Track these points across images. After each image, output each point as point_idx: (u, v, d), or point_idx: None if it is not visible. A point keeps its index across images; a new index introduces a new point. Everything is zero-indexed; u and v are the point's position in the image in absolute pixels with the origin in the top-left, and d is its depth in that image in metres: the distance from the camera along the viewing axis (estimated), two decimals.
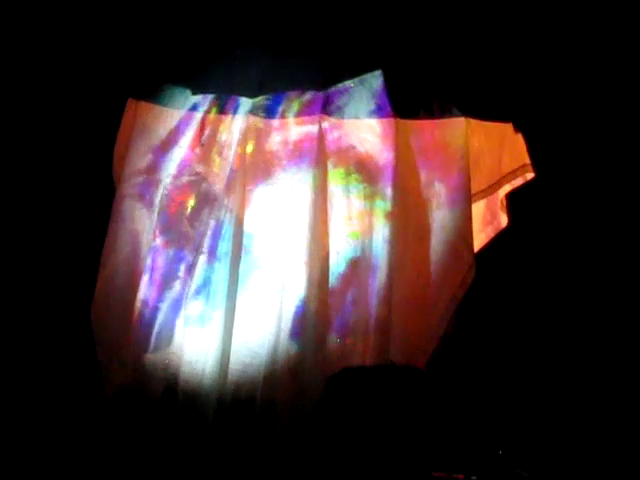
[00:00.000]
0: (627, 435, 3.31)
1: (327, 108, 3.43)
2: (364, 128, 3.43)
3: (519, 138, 3.42)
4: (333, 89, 3.45)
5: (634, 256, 3.48)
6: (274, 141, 3.46)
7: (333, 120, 3.43)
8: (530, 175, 3.42)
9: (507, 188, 3.46)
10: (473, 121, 3.40)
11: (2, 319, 3.49)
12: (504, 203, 3.46)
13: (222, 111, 3.52)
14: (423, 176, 3.41)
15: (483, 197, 3.46)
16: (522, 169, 3.42)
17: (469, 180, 3.35)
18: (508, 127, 3.42)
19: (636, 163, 3.49)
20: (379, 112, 3.41)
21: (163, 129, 3.54)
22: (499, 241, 3.48)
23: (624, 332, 3.45)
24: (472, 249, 3.31)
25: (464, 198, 3.33)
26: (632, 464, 3.24)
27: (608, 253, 3.50)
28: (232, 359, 3.24)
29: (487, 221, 3.49)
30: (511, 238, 3.45)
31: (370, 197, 3.38)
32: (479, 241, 3.44)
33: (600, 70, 3.46)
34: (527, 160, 3.40)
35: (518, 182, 3.44)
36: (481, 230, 3.48)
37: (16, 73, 3.61)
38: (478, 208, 3.47)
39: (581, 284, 3.49)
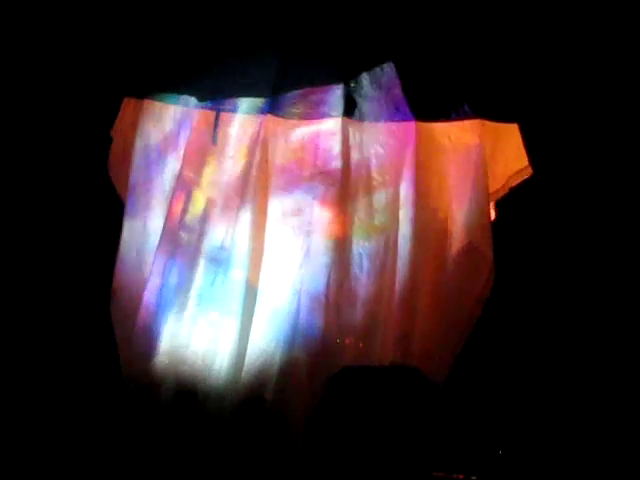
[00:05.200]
0: (628, 435, 3.31)
1: (348, 110, 3.42)
2: (384, 131, 3.44)
3: (519, 139, 3.43)
4: (350, 88, 3.44)
5: (632, 256, 3.48)
6: (293, 142, 3.45)
7: (354, 123, 3.43)
8: (527, 175, 3.44)
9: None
10: (486, 122, 3.41)
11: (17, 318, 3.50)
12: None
13: (236, 110, 3.48)
14: (443, 178, 3.41)
15: (495, 198, 3.46)
16: (525, 170, 3.43)
17: (487, 180, 3.36)
18: (513, 128, 3.43)
19: (636, 163, 3.50)
20: (399, 115, 3.41)
21: (170, 129, 3.51)
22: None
23: (624, 332, 3.45)
24: (492, 248, 3.30)
25: (482, 198, 3.34)
26: (632, 464, 3.24)
27: (604, 253, 3.50)
28: (246, 360, 3.23)
29: None
30: (507, 238, 3.46)
31: (391, 199, 3.38)
32: None
33: (600, 72, 3.47)
34: (526, 161, 3.41)
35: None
36: None
37: (13, 73, 3.58)
38: None
39: (579, 283, 3.50)
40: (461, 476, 3.24)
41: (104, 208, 3.53)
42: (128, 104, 3.56)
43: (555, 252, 3.54)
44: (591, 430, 3.35)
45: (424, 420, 2.83)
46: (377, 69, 3.44)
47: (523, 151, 3.40)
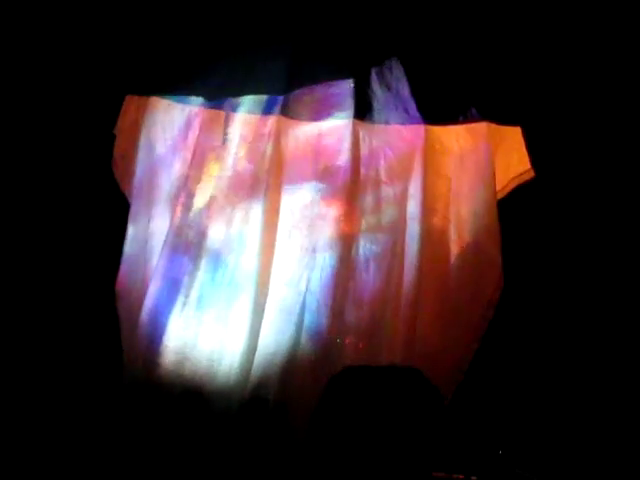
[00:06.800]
0: (627, 435, 3.32)
1: (358, 112, 3.45)
2: (393, 133, 3.46)
3: (522, 141, 3.44)
4: (361, 91, 3.47)
5: (633, 257, 3.49)
6: (303, 142, 3.47)
7: (364, 124, 3.45)
8: (528, 178, 3.44)
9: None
10: (491, 125, 3.43)
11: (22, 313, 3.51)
12: None
13: (246, 110, 3.49)
14: (450, 180, 3.43)
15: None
16: (527, 173, 3.44)
17: (494, 182, 3.37)
18: (516, 131, 3.44)
19: (636, 164, 3.51)
20: (408, 118, 3.44)
21: (173, 127, 3.51)
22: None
23: (624, 332, 3.45)
24: (500, 251, 3.31)
25: (490, 200, 3.36)
26: (632, 464, 3.25)
27: (606, 255, 3.51)
28: (254, 360, 3.23)
29: None
30: (509, 238, 3.47)
31: (399, 202, 3.40)
32: None
33: (601, 73, 3.47)
34: (528, 164, 3.42)
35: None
36: None
37: (15, 71, 3.58)
38: None
39: (579, 284, 3.50)
40: (461, 476, 3.25)
41: (108, 206, 3.54)
42: (131, 102, 3.55)
43: (555, 255, 3.54)
44: (590, 430, 3.36)
45: (424, 420, 2.84)
46: (386, 71, 3.46)
47: (525, 154, 3.41)
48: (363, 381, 2.80)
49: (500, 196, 3.45)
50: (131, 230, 3.44)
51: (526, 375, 3.45)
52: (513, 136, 3.44)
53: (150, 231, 3.46)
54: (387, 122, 3.46)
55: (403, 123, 3.45)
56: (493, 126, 3.43)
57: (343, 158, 3.40)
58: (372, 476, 2.81)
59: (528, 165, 3.42)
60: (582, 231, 3.51)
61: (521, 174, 3.44)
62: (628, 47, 3.42)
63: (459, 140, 3.45)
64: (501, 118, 3.42)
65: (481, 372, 3.43)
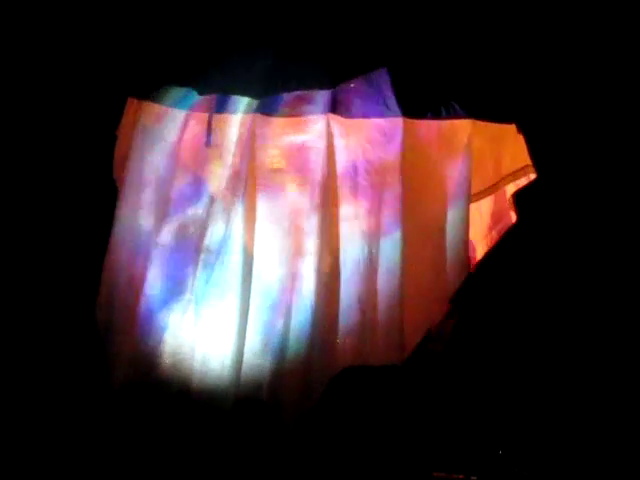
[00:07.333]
0: (627, 435, 3.32)
1: (335, 107, 3.43)
2: (372, 127, 3.44)
3: (520, 139, 3.43)
4: (340, 88, 3.47)
5: (635, 255, 3.49)
6: (282, 140, 3.46)
7: (341, 119, 3.44)
8: (533, 175, 3.44)
9: (512, 188, 3.46)
10: (478, 122, 3.42)
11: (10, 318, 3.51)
12: (512, 201, 3.47)
13: (228, 111, 3.50)
14: (429, 175, 3.42)
15: (483, 197, 3.47)
16: (522, 171, 3.43)
17: (470, 182, 3.36)
18: (511, 128, 3.43)
19: (636, 163, 3.51)
20: (387, 112, 3.42)
21: (167, 130, 3.53)
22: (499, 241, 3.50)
23: (624, 332, 3.46)
24: (467, 251, 3.32)
25: (464, 199, 3.35)
26: (632, 464, 3.24)
27: (610, 252, 3.51)
28: (243, 359, 3.23)
29: (496, 220, 3.51)
30: (512, 239, 3.46)
31: (378, 197, 3.40)
32: (489, 239, 3.48)
33: (600, 72, 3.48)
34: (528, 161, 3.42)
35: (522, 182, 3.44)
36: (491, 228, 3.50)
37: (17, 74, 3.61)
38: (487, 207, 3.50)
39: (582, 284, 3.50)
40: (461, 476, 3.25)
41: (107, 205, 3.54)
42: (131, 104, 3.58)
43: (558, 252, 3.55)
44: (590, 430, 3.36)
45: (424, 420, 2.85)
46: (367, 68, 3.47)
47: (524, 151, 3.41)
48: (362, 381, 2.80)
49: (491, 192, 3.46)
50: (117, 228, 3.44)
51: (526, 376, 3.45)
52: (507, 133, 3.44)
53: (138, 231, 3.47)
54: (365, 116, 3.45)
55: (382, 117, 3.43)
56: (482, 123, 3.42)
57: (320, 156, 3.40)
58: (372, 476, 2.81)
59: (524, 163, 3.41)
60: (579, 229, 3.51)
61: (515, 172, 3.43)
62: (622, 42, 3.42)
63: (439, 136, 3.44)
64: (490, 115, 3.41)
65: (481, 373, 3.43)
